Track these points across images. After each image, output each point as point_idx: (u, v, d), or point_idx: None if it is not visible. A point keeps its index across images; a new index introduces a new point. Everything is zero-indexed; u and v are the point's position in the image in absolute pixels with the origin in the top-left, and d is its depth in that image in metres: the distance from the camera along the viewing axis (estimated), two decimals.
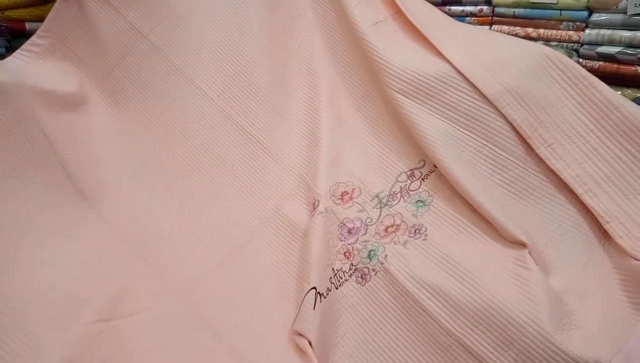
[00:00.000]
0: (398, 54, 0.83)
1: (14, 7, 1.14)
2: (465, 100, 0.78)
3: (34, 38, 0.98)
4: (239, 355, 0.70)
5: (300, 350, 0.70)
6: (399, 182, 0.83)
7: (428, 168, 0.82)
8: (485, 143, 0.78)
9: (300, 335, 0.71)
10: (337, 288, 0.76)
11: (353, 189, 0.84)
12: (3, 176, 0.81)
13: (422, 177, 0.83)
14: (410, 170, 0.84)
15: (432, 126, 0.78)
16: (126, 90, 0.97)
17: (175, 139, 0.93)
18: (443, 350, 0.68)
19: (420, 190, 0.82)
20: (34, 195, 0.83)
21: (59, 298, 0.71)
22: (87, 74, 0.99)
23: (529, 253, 0.70)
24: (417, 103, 0.80)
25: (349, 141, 0.88)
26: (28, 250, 0.76)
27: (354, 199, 0.83)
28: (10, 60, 0.96)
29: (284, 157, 0.90)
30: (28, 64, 0.96)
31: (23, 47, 0.98)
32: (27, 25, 1.14)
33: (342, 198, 0.83)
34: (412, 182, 0.83)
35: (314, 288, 0.73)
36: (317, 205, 0.81)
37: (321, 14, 0.95)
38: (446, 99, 0.79)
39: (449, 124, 0.79)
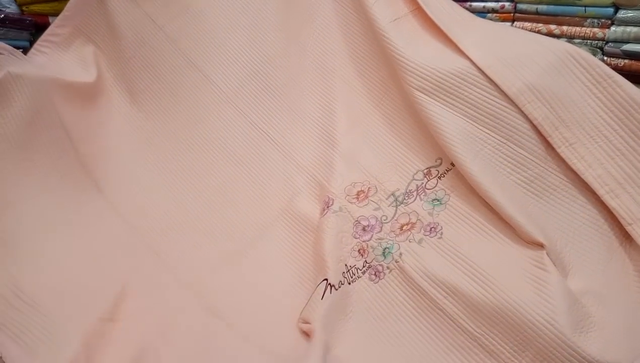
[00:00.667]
0: (417, 50, 0.82)
1: (38, 1, 1.17)
2: (485, 98, 0.77)
3: (52, 27, 1.00)
4: (247, 338, 0.72)
5: (307, 335, 0.71)
6: (416, 180, 0.83)
7: (445, 166, 0.82)
8: (505, 141, 0.77)
9: (307, 322, 0.72)
10: (349, 284, 0.76)
11: (369, 188, 0.84)
12: (23, 168, 0.83)
13: (439, 175, 0.82)
14: (427, 168, 0.83)
15: (450, 124, 0.77)
16: (142, 82, 0.98)
17: (189, 133, 0.94)
18: (459, 348, 0.68)
19: (436, 188, 0.81)
20: (51, 186, 0.84)
21: (76, 288, 0.73)
22: (105, 63, 1.00)
23: (547, 254, 0.69)
24: (436, 100, 0.79)
25: (366, 139, 0.88)
26: (46, 242, 0.78)
27: (369, 198, 0.83)
28: (32, 53, 0.98)
29: (295, 154, 0.90)
30: (49, 57, 0.98)
31: (43, 37, 1.00)
32: (51, 20, 1.16)
33: (357, 197, 0.83)
34: (428, 181, 0.82)
35: (326, 279, 0.74)
36: (332, 204, 0.81)
37: (340, 10, 0.94)
38: (466, 96, 0.78)
39: (468, 122, 0.78)
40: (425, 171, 0.83)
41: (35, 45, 0.99)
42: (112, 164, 0.93)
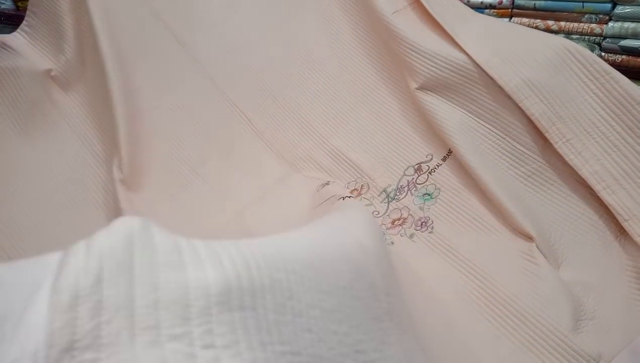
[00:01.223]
0: (422, 42, 0.82)
1: None
2: (484, 93, 0.77)
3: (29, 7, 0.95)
4: None
5: None
6: (407, 175, 0.83)
7: (436, 162, 0.82)
8: (504, 136, 0.77)
9: None
10: None
11: (362, 186, 0.84)
12: (26, 158, 0.82)
13: (430, 170, 0.82)
14: (417, 164, 0.83)
15: (452, 117, 0.78)
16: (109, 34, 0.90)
17: (154, 98, 0.90)
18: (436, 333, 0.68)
19: (427, 183, 0.81)
20: (55, 172, 0.84)
21: None
22: (78, 33, 0.94)
23: (538, 247, 0.70)
24: (437, 94, 0.80)
25: (355, 136, 0.88)
26: (53, 228, 0.78)
27: (362, 195, 0.83)
28: (15, 36, 0.94)
29: (278, 146, 0.89)
30: (25, 45, 0.94)
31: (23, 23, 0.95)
32: None
33: (350, 194, 0.83)
34: (419, 176, 0.82)
35: None
36: (327, 184, 0.81)
37: (327, 6, 0.94)
38: (465, 91, 0.78)
39: (469, 116, 0.79)
40: (416, 166, 0.83)
41: (15, 33, 0.95)
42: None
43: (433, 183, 0.81)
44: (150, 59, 0.90)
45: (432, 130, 0.82)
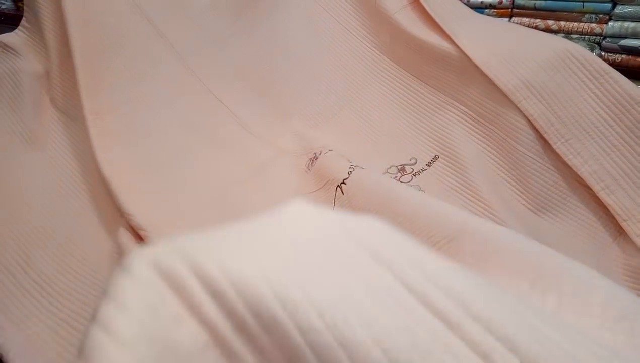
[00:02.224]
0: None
1: None
2: (484, 94, 0.77)
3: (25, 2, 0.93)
4: None
5: None
6: (389, 174, 0.82)
7: (420, 166, 0.81)
8: (505, 137, 0.77)
9: None
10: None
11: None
12: (34, 161, 0.82)
13: (414, 173, 0.81)
14: (401, 165, 0.82)
15: (450, 114, 0.78)
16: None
17: (129, 86, 0.85)
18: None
19: (412, 182, 0.80)
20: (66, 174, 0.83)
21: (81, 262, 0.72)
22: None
23: None
24: (436, 92, 0.80)
25: (337, 134, 0.87)
26: (55, 216, 0.77)
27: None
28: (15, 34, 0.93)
29: (261, 131, 0.87)
30: (24, 43, 0.92)
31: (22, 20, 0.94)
32: None
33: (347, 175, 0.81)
34: (402, 176, 0.81)
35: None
36: (320, 154, 0.79)
37: (310, 2, 0.93)
38: (466, 92, 0.78)
39: (468, 115, 0.78)
40: (399, 167, 0.82)
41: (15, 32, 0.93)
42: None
43: (417, 185, 0.80)
44: (126, 52, 0.86)
45: (416, 135, 0.82)
